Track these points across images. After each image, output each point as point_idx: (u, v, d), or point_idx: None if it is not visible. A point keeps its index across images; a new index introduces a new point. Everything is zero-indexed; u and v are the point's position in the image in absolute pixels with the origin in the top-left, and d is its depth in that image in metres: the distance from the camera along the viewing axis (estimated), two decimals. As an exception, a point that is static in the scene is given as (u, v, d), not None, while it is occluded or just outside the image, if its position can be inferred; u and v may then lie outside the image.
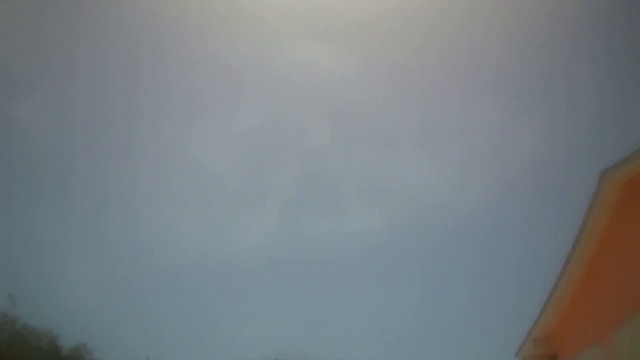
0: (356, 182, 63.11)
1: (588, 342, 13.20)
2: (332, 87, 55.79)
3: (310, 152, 58.97)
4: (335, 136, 59.01)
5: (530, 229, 60.37)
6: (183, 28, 47.72)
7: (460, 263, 63.26)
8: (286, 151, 60.17)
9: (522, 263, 60.93)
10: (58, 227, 54.05)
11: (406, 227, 61.80)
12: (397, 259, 63.42)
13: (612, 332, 12.07)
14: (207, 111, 57.02)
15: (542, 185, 58.32)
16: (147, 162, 58.17)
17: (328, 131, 58.08)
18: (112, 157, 56.05)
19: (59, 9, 44.30)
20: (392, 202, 61.58)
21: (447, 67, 50.33)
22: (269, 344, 55.41)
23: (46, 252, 51.37)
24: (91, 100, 52.24)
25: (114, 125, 55.54)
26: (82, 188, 56.86)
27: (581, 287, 13.72)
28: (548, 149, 53.41)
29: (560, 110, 50.63)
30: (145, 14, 46.38)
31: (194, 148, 56.66)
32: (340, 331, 58.72)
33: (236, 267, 61.13)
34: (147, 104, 54.26)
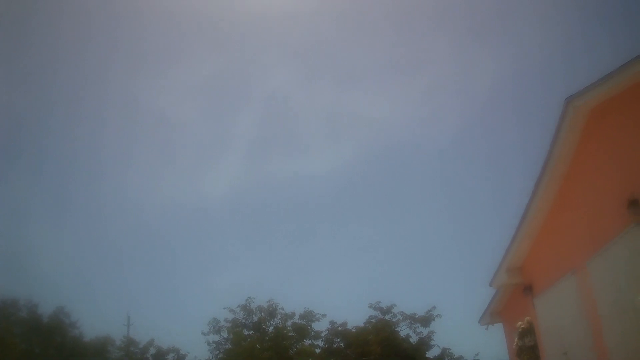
0: (321, 119, 62.58)
1: (562, 272, 13.03)
2: (292, 24, 54.33)
3: (273, 93, 57.97)
4: (297, 75, 58.02)
5: (498, 157, 60.95)
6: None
7: (430, 195, 63.85)
8: (248, 94, 59.05)
9: (491, 192, 61.75)
10: (27, 193, 52.98)
11: (372, 163, 61.95)
12: (365, 196, 63.79)
13: (586, 261, 11.87)
14: (166, 61, 55.37)
15: (509, 114, 58.51)
16: (111, 117, 56.88)
17: (290, 70, 57.00)
18: (77, 115, 54.55)
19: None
20: (358, 138, 61.40)
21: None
22: (241, 289, 55.59)
23: (18, 220, 50.47)
24: (51, 60, 50.38)
25: (77, 81, 53.83)
26: (51, 149, 55.69)
27: (551, 215, 13.50)
28: (513, 77, 53.37)
29: (526, 38, 50.23)
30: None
31: (156, 100, 55.36)
32: (310, 271, 59.26)
33: (206, 215, 60.94)
34: (105, 60, 52.57)
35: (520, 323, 15.81)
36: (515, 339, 15.96)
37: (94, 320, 48.96)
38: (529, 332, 15.42)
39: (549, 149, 12.08)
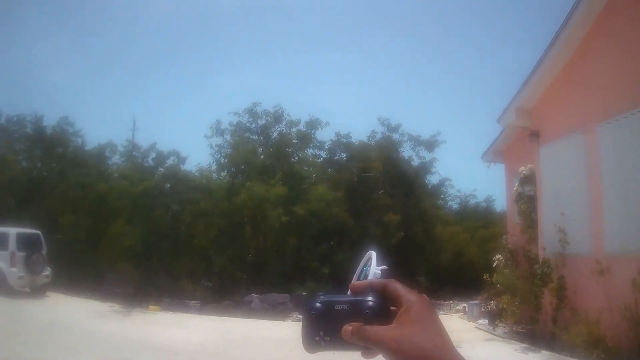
0: None
1: (572, 128, 12.27)
2: None
3: None
4: None
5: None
6: None
7: (454, 23, 60.30)
8: None
9: (513, 32, 58.06)
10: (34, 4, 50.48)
11: None
12: (384, 7, 60.37)
13: (597, 124, 11.03)
14: None
15: None
16: None
17: None
18: None
19: None
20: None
21: None
22: (248, 93, 54.74)
23: (24, 33, 48.62)
24: None
25: None
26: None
27: (570, 64, 12.49)
28: None
29: None
30: None
31: None
32: (321, 81, 57.97)
33: (219, 14, 58.42)
34: None
35: (522, 169, 15.27)
36: (516, 184, 15.52)
37: (100, 127, 49.13)
38: (530, 179, 14.92)
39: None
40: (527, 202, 14.72)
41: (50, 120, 29.68)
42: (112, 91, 54.35)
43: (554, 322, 11.46)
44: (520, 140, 16.68)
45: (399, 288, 0.98)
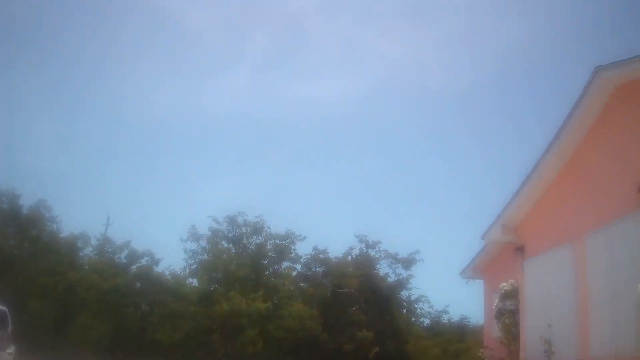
0: (335, 48, 60.77)
1: (559, 241, 12.48)
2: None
3: (293, 15, 55.88)
4: (319, 2, 55.91)
5: (511, 115, 59.80)
6: None
7: (432, 137, 62.80)
8: (268, 11, 56.93)
9: (497, 148, 60.75)
10: (22, 83, 51.60)
11: (381, 98, 60.72)
12: (368, 130, 62.80)
13: (584, 235, 11.31)
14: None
15: (528, 74, 56.82)
16: (122, 14, 54.81)
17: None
18: (86, 9, 52.59)
19: None
20: (370, 72, 59.82)
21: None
22: (227, 203, 55.20)
23: (10, 109, 49.38)
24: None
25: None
26: (52, 42, 53.87)
27: (557, 181, 12.89)
28: (537, 38, 51.46)
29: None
30: None
31: (172, 2, 53.32)
32: (301, 197, 58.92)
33: (205, 125, 59.89)
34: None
35: (504, 284, 15.32)
36: (496, 300, 15.50)
37: (75, 218, 48.75)
38: (511, 294, 14.93)
39: (567, 115, 11.60)
40: (510, 316, 14.70)
41: (26, 200, 29.45)
42: (90, 182, 54.21)
43: None
44: (501, 256, 16.89)
45: None
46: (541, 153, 12.90)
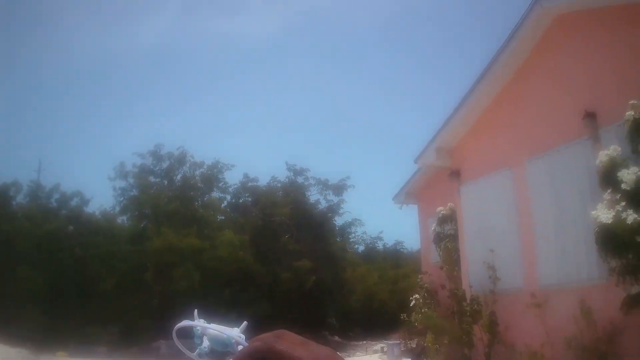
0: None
1: (497, 166, 12.50)
2: None
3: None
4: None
5: (447, 41, 59.68)
6: None
7: (368, 68, 62.37)
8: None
9: (434, 70, 60.88)
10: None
11: (301, 29, 59.71)
12: (289, 59, 61.96)
13: (526, 160, 11.37)
14: None
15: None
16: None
17: None
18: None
19: None
20: (290, 4, 58.44)
21: None
22: (164, 137, 54.26)
23: None
24: None
25: None
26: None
27: (495, 107, 12.76)
28: None
29: None
30: None
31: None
32: (235, 124, 58.26)
33: (134, 64, 57.58)
34: None
35: (441, 209, 15.44)
36: (434, 225, 15.63)
37: (5, 167, 46.49)
38: (449, 218, 15.05)
39: (504, 41, 11.45)
40: (451, 240, 14.85)
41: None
42: (18, 129, 51.49)
43: (487, 358, 11.47)
44: (435, 180, 16.92)
45: (284, 351, 0.84)
46: (477, 77, 12.73)
